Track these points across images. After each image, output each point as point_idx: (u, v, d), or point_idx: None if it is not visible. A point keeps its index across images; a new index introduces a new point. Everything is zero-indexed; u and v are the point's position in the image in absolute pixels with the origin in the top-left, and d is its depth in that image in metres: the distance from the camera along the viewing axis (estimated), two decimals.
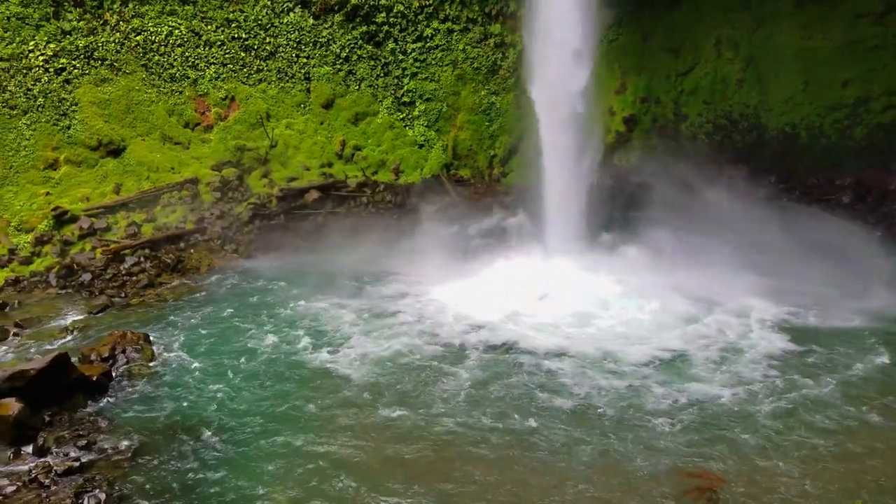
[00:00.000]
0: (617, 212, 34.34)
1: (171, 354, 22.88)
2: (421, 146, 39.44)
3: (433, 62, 40.02)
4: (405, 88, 40.13)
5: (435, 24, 39.59)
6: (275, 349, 23.34)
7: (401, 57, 40.13)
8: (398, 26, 39.87)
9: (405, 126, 40.06)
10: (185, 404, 19.66)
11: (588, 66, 30.22)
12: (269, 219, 36.00)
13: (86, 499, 14.98)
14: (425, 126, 39.79)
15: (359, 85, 40.36)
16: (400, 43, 40.00)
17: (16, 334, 25.13)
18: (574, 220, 30.93)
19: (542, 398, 19.24)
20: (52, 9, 36.13)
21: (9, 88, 35.36)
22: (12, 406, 17.50)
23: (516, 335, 23.53)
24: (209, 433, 18.05)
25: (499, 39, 39.99)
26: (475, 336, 23.66)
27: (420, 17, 39.73)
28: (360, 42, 39.99)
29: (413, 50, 39.92)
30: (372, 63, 40.28)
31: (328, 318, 25.84)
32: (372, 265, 31.38)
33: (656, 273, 27.82)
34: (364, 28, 39.70)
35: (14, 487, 15.58)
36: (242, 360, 22.48)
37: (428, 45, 39.98)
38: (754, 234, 30.67)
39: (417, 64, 40.05)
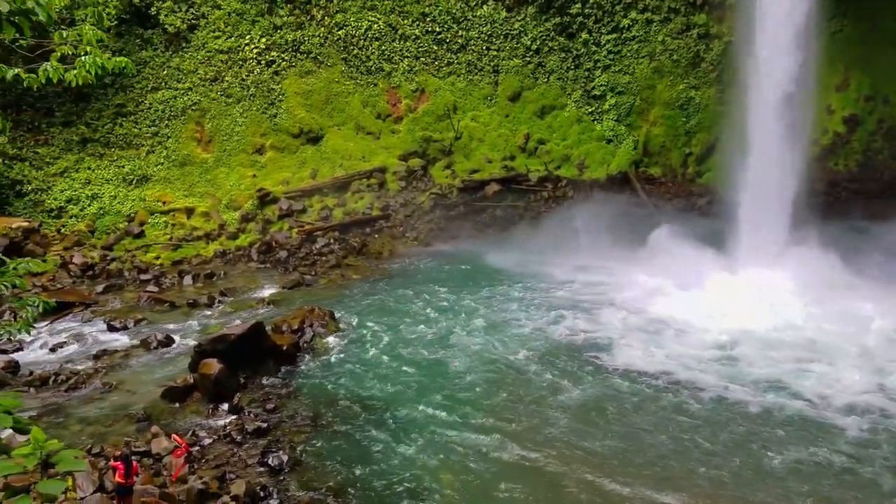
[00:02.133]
0: (827, 223, 30.35)
1: (353, 332, 23.44)
2: (609, 141, 37.71)
3: (628, 54, 38.11)
4: (596, 81, 38.60)
5: (633, 14, 37.67)
6: (447, 333, 23.17)
7: (594, 49, 38.66)
8: (593, 17, 38.44)
9: (593, 120, 38.54)
10: (362, 378, 19.96)
11: (806, 60, 27.04)
12: (450, 209, 36.22)
13: (270, 458, 15.45)
14: (615, 120, 37.98)
15: (547, 78, 39.46)
16: (594, 34, 38.54)
17: (220, 301, 27.15)
18: (775, 229, 27.77)
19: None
20: (267, 5, 38.97)
21: (226, 79, 38.65)
22: (214, 366, 18.64)
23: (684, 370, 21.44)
24: (383, 406, 18.19)
25: (703, 30, 37.19)
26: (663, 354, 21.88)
27: (617, 8, 38.03)
28: (552, 34, 39.06)
29: (607, 41, 38.28)
30: (562, 55, 39.20)
31: (501, 309, 25.24)
32: (548, 261, 30.35)
33: (864, 300, 23.92)
34: (557, 19, 38.73)
35: (210, 440, 16.48)
36: (416, 341, 22.57)
37: (624, 36, 38.13)
38: None
39: (611, 56, 38.35)
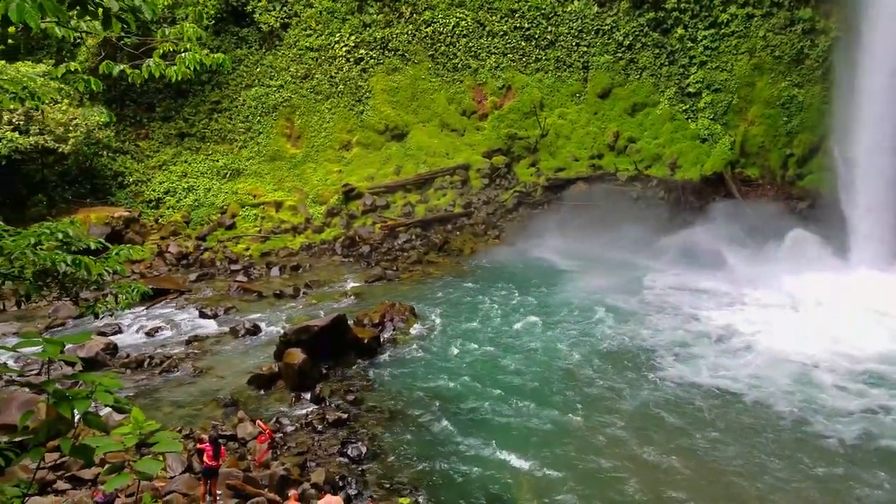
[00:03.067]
0: None
1: (432, 328, 23.40)
2: (703, 140, 36.16)
3: (726, 50, 36.40)
4: (691, 78, 37.08)
5: (732, 8, 35.93)
6: (525, 333, 22.80)
7: (689, 45, 37.16)
8: (690, 12, 36.95)
9: (687, 118, 37.05)
10: (439, 373, 19.85)
11: None
12: (534, 208, 35.67)
13: (349, 448, 15.56)
14: (711, 119, 36.36)
15: (639, 74, 38.25)
16: (690, 30, 37.04)
17: (304, 293, 27.72)
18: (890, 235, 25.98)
19: None
20: (357, 3, 39.53)
21: (316, 76, 39.47)
22: (298, 356, 18.99)
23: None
24: (459, 402, 18.05)
25: (808, 25, 35.06)
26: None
27: (715, 2, 36.36)
28: (646, 29, 37.82)
29: (704, 37, 36.69)
30: (656, 51, 37.89)
31: (585, 310, 24.61)
32: (636, 262, 29.41)
33: None
34: (651, 14, 37.45)
35: (293, 428, 16.77)
36: (493, 339, 22.27)
37: (722, 31, 36.44)
38: None
39: (708, 52, 36.75)
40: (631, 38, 38.06)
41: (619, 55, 38.37)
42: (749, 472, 14.79)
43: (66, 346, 3.83)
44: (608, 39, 38.50)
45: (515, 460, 15.22)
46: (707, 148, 35.90)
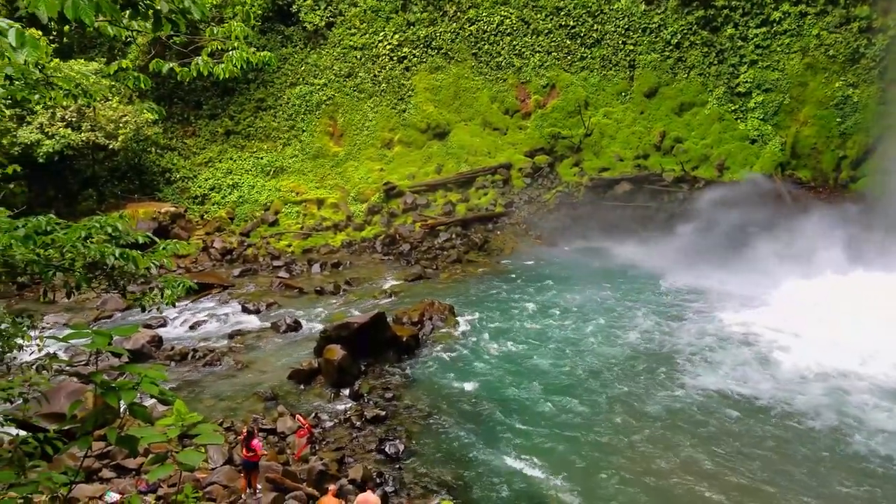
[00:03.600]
0: None
1: (470, 327, 23.31)
2: (753, 141, 35.25)
3: (778, 49, 35.43)
4: (741, 77, 36.20)
5: (785, 6, 34.94)
6: (565, 333, 22.53)
7: (739, 43, 36.28)
8: (740, 10, 36.08)
9: (736, 119, 36.18)
10: (478, 373, 19.76)
11: None
12: (576, 208, 35.27)
13: (387, 445, 15.59)
14: (761, 119, 35.43)
15: (687, 73, 37.52)
16: (740, 28, 36.17)
17: (345, 290, 27.92)
18: None
19: None
20: (401, 2, 39.65)
21: (359, 74, 39.73)
22: (338, 352, 19.11)
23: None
24: (497, 402, 17.92)
25: (864, 23, 33.90)
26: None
27: (767, 0, 35.43)
28: (695, 27, 37.07)
29: (755, 35, 35.78)
30: (705, 50, 37.11)
31: (625, 312, 24.23)
32: (680, 267, 28.80)
33: None
34: (701, 12, 36.70)
35: (331, 423, 16.87)
36: (532, 340, 22.07)
37: (774, 29, 35.48)
38: None
39: (759, 51, 35.82)
40: (679, 37, 37.36)
41: (667, 54, 37.70)
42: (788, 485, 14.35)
43: (114, 338, 3.87)
44: (655, 38, 37.86)
45: (549, 464, 15.05)
46: (756, 149, 35.01)
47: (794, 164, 34.27)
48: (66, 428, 5.72)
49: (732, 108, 36.42)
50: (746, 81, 36.06)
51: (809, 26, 34.79)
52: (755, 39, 35.87)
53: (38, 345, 8.27)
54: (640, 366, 20.19)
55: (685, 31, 37.26)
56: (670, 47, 37.64)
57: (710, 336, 22.28)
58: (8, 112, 26.31)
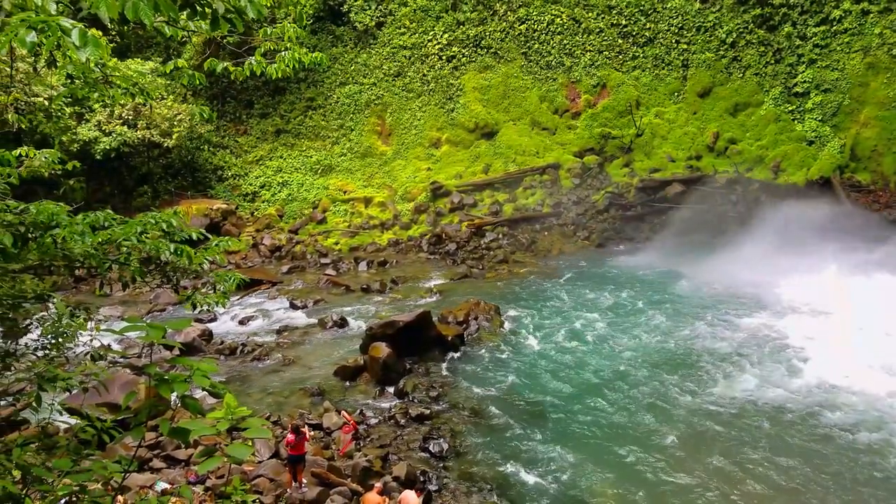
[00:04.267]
0: None
1: (516, 328, 23.16)
2: (810, 143, 34.11)
3: (838, 48, 34.20)
4: (799, 77, 35.07)
5: (846, 4, 33.69)
6: (612, 335, 22.16)
7: (797, 42, 35.16)
8: (799, 8, 34.96)
9: (793, 119, 35.07)
10: (522, 374, 19.60)
11: None
12: (626, 209, 34.73)
13: (431, 444, 15.57)
14: (819, 120, 34.26)
15: (742, 73, 36.55)
16: (798, 27, 35.05)
17: (390, 288, 28.08)
18: None
19: None
20: (451, 1, 39.68)
21: (408, 74, 39.90)
22: (383, 350, 19.22)
23: None
24: (541, 403, 17.74)
25: None
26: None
27: None
28: (750, 26, 36.09)
29: (814, 34, 34.61)
30: (761, 49, 36.09)
31: (673, 316, 23.69)
32: (732, 269, 28.04)
33: None
34: (757, 11, 35.71)
35: (376, 420, 16.96)
36: (577, 342, 21.77)
37: (834, 28, 34.27)
38: None
39: (817, 50, 34.64)
40: (734, 36, 36.42)
41: (722, 53, 36.81)
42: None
43: (167, 331, 3.94)
44: (710, 36, 37.00)
45: (592, 466, 14.82)
46: (814, 151, 33.87)
47: (853, 167, 33.01)
48: (120, 418, 5.86)
49: (789, 108, 35.31)
50: (804, 81, 34.91)
51: (871, 25, 33.49)
52: (814, 38, 34.71)
53: (92, 336, 8.52)
54: (688, 367, 19.73)
55: (741, 30, 36.31)
56: (725, 46, 36.73)
57: (760, 340, 21.63)
58: (68, 110, 27.27)
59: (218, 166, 37.49)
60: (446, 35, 39.40)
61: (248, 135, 39.06)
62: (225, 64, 8.84)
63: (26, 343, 7.98)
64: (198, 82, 8.77)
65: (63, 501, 5.24)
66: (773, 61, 35.86)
